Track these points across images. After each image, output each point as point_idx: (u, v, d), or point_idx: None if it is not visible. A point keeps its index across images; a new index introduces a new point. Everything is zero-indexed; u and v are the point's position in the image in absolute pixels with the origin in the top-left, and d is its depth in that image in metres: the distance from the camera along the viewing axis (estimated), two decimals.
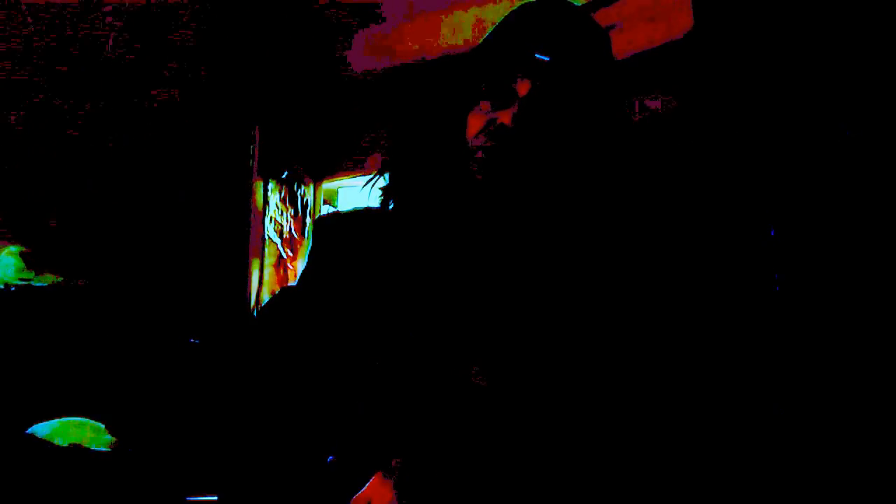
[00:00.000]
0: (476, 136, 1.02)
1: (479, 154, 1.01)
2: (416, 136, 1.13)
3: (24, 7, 2.54)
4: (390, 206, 1.13)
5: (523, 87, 1.00)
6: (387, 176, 1.14)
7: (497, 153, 1.00)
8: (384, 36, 2.69)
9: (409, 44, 2.63)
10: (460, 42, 2.54)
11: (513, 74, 1.01)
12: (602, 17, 1.96)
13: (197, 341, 2.62)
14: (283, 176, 2.96)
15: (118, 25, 2.64)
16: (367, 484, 0.95)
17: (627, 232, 1.05)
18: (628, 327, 1.01)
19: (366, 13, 2.71)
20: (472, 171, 1.02)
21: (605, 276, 1.01)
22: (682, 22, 1.85)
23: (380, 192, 1.14)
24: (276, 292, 1.21)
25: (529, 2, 1.08)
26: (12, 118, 2.70)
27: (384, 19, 2.68)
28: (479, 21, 2.54)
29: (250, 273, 2.87)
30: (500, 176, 1.01)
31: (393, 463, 0.96)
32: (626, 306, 1.01)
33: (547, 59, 0.99)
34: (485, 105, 1.03)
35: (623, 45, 1.92)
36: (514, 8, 1.08)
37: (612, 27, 1.98)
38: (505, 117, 1.00)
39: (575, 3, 1.09)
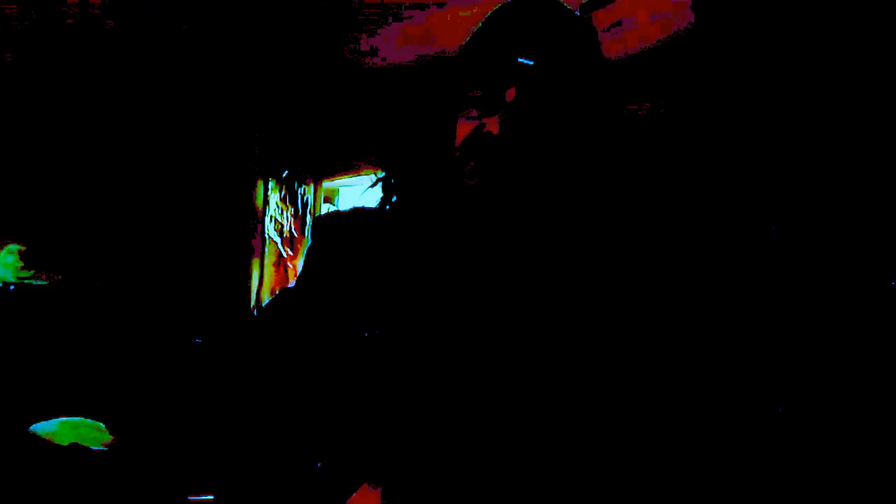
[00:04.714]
0: (464, 143, 1.01)
1: (468, 160, 1.00)
2: (409, 138, 1.13)
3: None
4: (387, 208, 1.13)
5: (510, 93, 0.98)
6: (382, 179, 1.13)
7: (484, 160, 0.99)
8: (416, 27, 2.61)
9: (437, 35, 2.56)
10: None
11: (499, 79, 0.99)
12: (603, 15, 1.95)
13: (199, 340, 2.61)
14: (284, 175, 2.96)
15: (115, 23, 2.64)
16: (354, 493, 0.95)
17: (620, 236, 1.04)
18: (624, 331, 1.00)
19: (391, 4, 2.61)
20: (462, 177, 1.01)
21: (596, 282, 1.01)
22: (684, 19, 1.83)
23: (378, 194, 1.14)
24: (277, 293, 1.21)
25: (508, 2, 1.06)
26: (12, 117, 2.70)
27: (411, 9, 2.60)
28: None
29: (250, 272, 2.87)
30: (489, 183, 0.99)
31: (380, 471, 0.95)
32: (619, 310, 1.00)
33: (530, 63, 0.97)
34: (473, 111, 1.01)
35: (624, 44, 1.91)
36: (495, 8, 1.06)
37: (614, 25, 1.97)
38: (493, 123, 0.99)
39: (562, 2, 1.07)
